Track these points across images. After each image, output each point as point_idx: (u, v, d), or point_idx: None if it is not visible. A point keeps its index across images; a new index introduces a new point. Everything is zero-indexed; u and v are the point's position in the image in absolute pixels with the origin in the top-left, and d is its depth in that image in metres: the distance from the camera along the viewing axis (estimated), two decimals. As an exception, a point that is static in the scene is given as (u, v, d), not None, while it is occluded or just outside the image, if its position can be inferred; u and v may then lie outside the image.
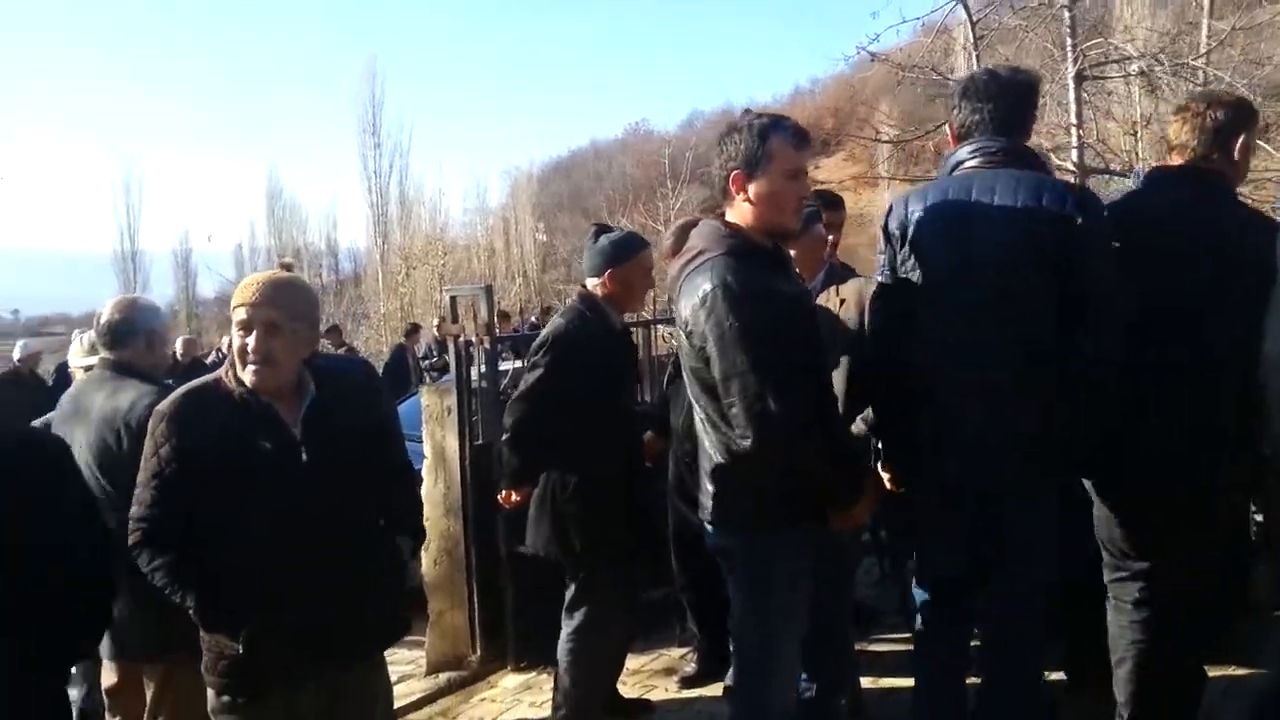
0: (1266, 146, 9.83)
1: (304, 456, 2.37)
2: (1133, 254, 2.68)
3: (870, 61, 10.15)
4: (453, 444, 4.52)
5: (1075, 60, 9.51)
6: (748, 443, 2.38)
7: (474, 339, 4.47)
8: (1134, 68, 9.58)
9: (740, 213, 2.53)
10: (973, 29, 10.14)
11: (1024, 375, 2.59)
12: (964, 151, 2.74)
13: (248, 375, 2.34)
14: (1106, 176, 10.11)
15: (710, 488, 2.56)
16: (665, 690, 4.17)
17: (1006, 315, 2.59)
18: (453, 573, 4.68)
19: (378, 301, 33.01)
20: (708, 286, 2.40)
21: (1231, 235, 2.69)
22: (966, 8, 10.03)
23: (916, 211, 2.75)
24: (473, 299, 4.63)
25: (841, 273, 3.55)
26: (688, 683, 4.19)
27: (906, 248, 2.75)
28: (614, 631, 3.68)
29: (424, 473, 4.92)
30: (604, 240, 3.71)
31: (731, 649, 2.66)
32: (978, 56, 10.13)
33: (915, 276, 2.73)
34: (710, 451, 2.54)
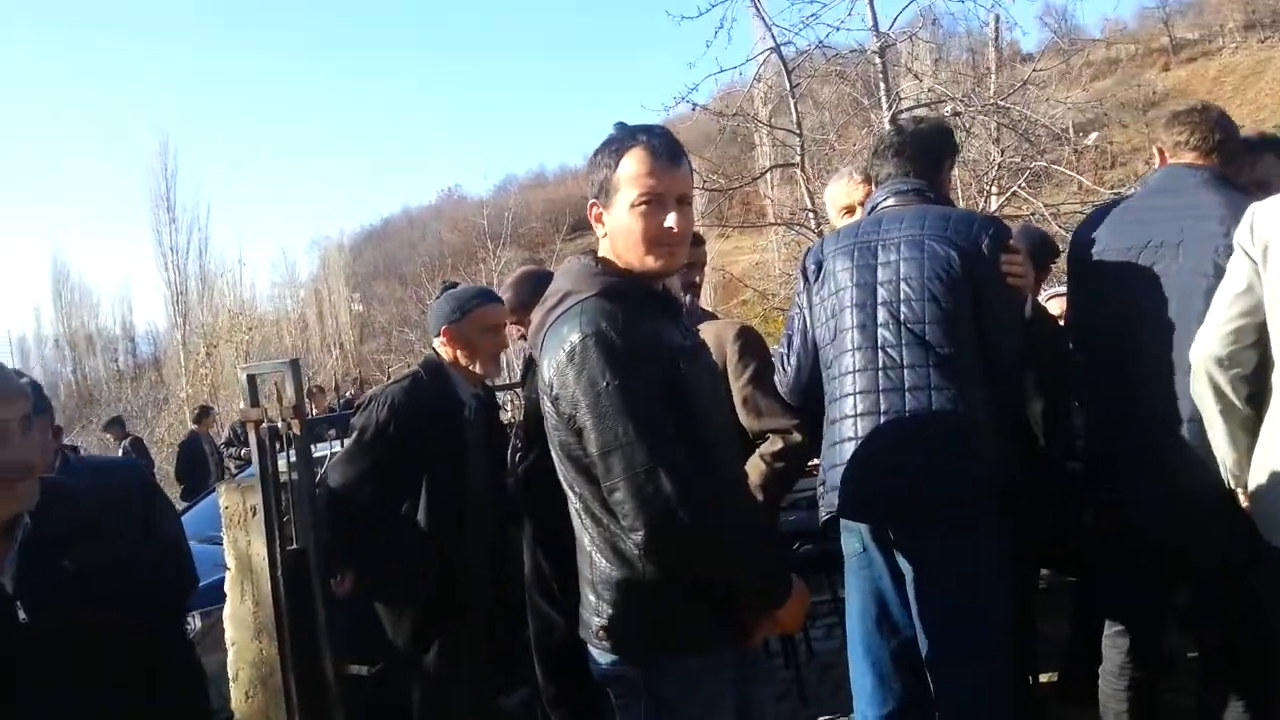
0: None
1: (20, 614, 1.67)
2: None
3: (692, 110, 9.95)
4: (260, 551, 3.78)
5: (890, 104, 9.62)
6: (639, 536, 1.84)
7: (280, 424, 3.74)
8: (948, 109, 9.76)
9: (607, 250, 2.06)
10: (788, 76, 10.13)
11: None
12: (879, 194, 2.83)
13: None
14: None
15: (594, 599, 2.00)
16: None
17: (912, 342, 2.58)
18: (269, 706, 3.91)
19: (180, 385, 30.72)
20: (576, 337, 1.88)
21: None
22: (781, 56, 10.03)
23: (829, 247, 2.80)
24: (276, 376, 3.91)
25: (700, 315, 3.34)
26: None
27: (819, 281, 2.78)
28: None
29: (227, 588, 4.21)
30: (442, 295, 3.21)
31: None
32: (795, 104, 10.16)
33: (830, 308, 2.73)
34: (591, 551, 2.00)
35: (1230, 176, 2.80)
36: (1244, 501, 2.40)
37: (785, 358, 2.91)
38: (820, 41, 9.73)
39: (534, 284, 3.49)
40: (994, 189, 10.28)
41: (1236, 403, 2.33)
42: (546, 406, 1.99)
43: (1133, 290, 2.70)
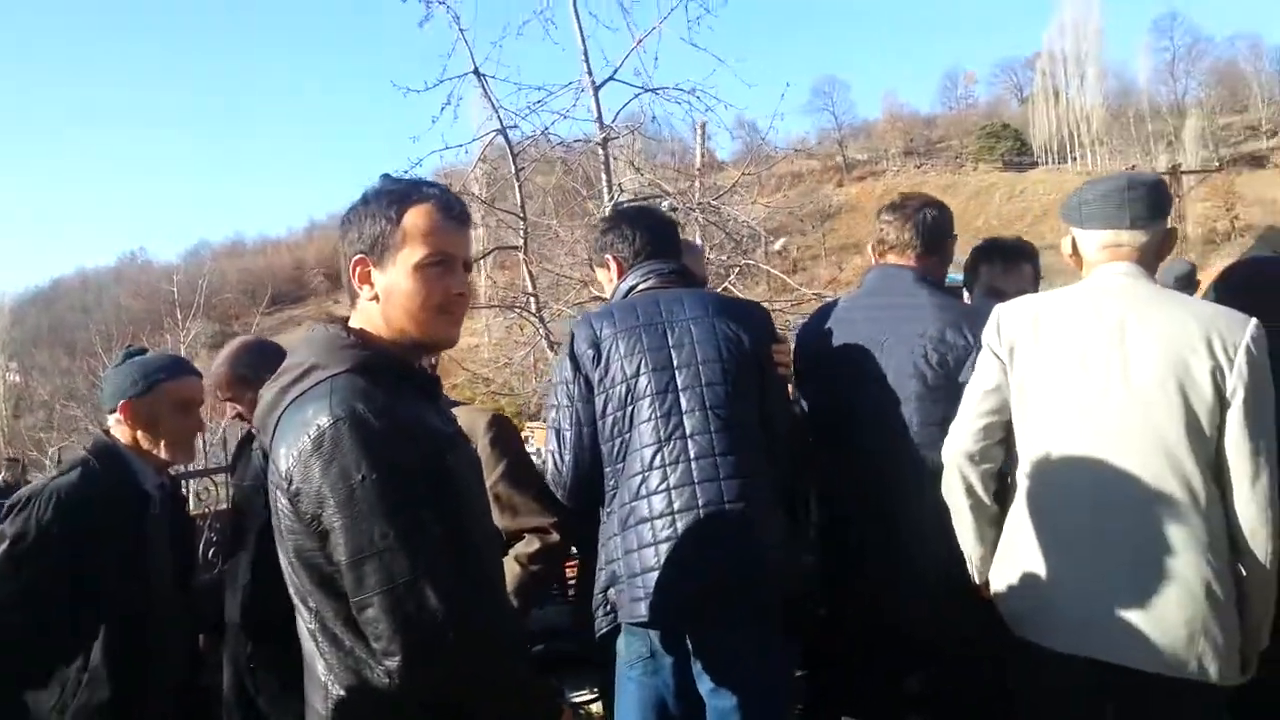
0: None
1: None
2: None
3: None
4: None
5: (611, 195, 9.83)
6: (393, 662, 1.55)
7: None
8: (665, 204, 10.09)
9: (367, 316, 1.78)
10: (513, 159, 10.14)
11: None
12: (634, 276, 2.76)
13: None
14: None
15: None
16: None
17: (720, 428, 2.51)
18: None
19: None
20: (325, 420, 1.59)
21: None
22: (507, 139, 10.02)
23: (605, 330, 2.63)
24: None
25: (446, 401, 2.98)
26: None
27: (602, 367, 2.59)
28: None
29: None
30: (123, 362, 2.72)
31: None
32: (520, 187, 10.16)
33: (618, 397, 2.56)
34: (326, 680, 1.67)
35: (932, 271, 2.94)
36: (987, 595, 2.45)
37: (558, 454, 2.66)
38: (546, 128, 9.82)
39: (257, 354, 3.08)
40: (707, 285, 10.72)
41: (985, 499, 2.40)
42: (281, 503, 1.66)
43: (848, 390, 2.78)
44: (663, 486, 2.47)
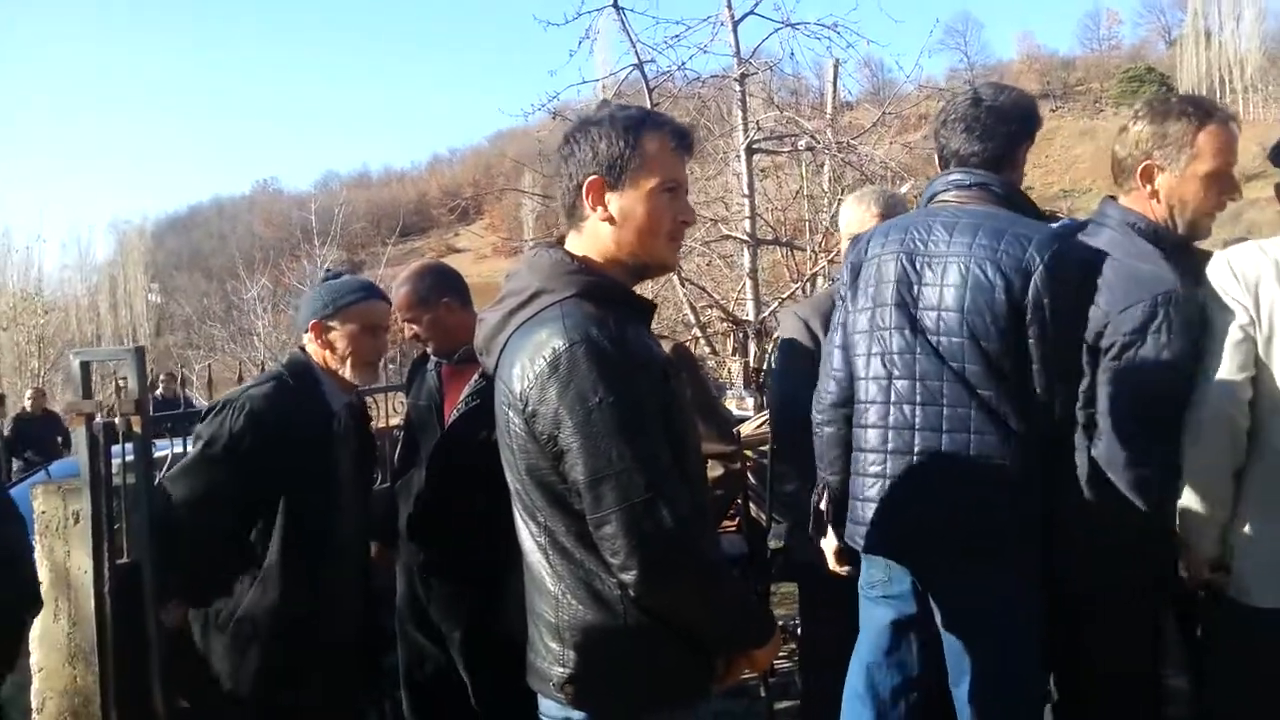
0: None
1: None
2: None
3: (552, 119, 9.73)
4: (83, 564, 3.26)
5: (747, 132, 9.71)
6: (630, 575, 1.61)
7: (118, 419, 3.27)
8: (802, 143, 9.93)
9: (594, 238, 1.80)
10: (649, 95, 10.09)
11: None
12: (939, 183, 2.53)
13: None
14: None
15: (556, 646, 1.74)
16: None
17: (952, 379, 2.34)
18: (80, 742, 3.38)
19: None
20: (560, 344, 1.63)
21: None
22: (644, 74, 9.97)
23: (873, 249, 2.51)
24: (115, 365, 3.44)
25: None
26: None
27: (856, 287, 2.53)
28: None
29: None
30: (320, 284, 2.83)
31: None
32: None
33: (866, 322, 2.49)
34: (556, 592, 1.73)
35: None
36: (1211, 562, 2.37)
37: (830, 370, 2.64)
38: (683, 63, 9.74)
39: (438, 278, 3.18)
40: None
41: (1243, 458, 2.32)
42: (515, 423, 1.72)
43: None
44: (882, 424, 2.44)
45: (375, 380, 3.01)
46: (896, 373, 2.40)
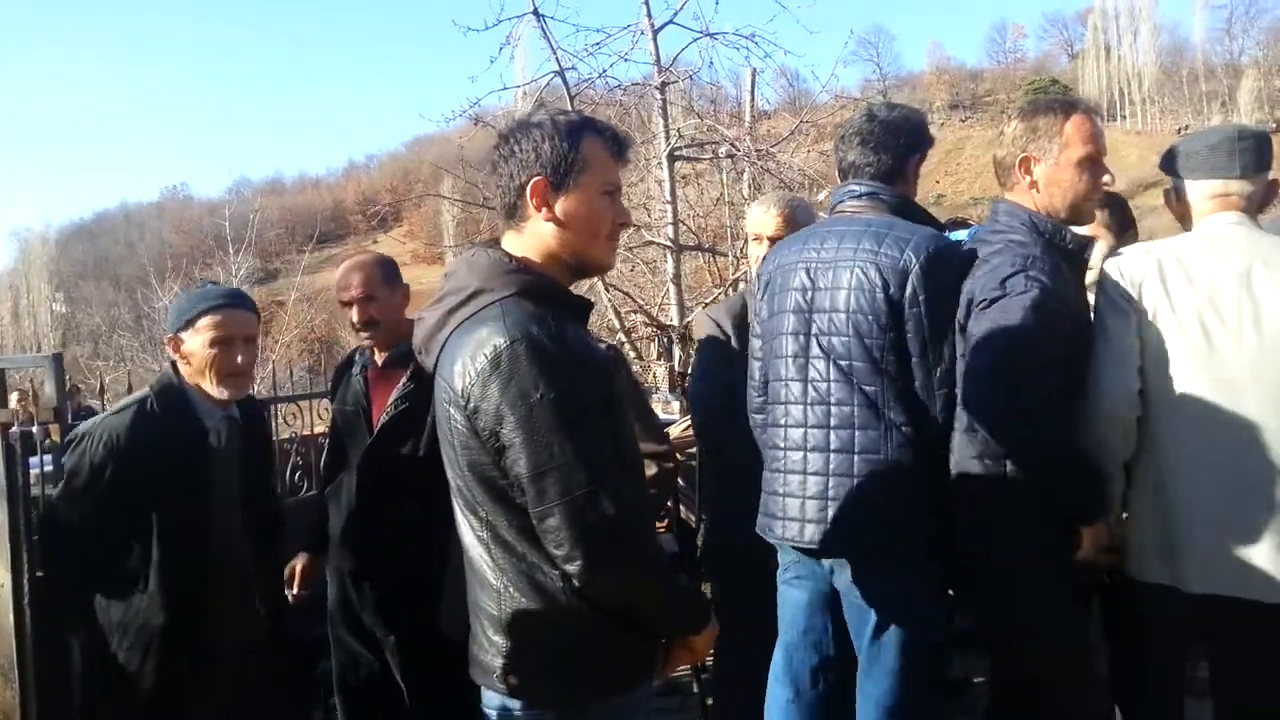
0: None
1: None
2: None
3: (474, 125, 9.73)
4: (1, 578, 3.19)
5: (669, 139, 9.82)
6: (574, 566, 1.65)
7: (36, 428, 3.20)
8: (722, 150, 10.08)
9: (534, 238, 1.84)
10: (570, 102, 10.14)
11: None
12: (838, 193, 2.72)
13: None
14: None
15: (498, 638, 1.78)
16: None
17: (839, 379, 2.50)
18: (-2, 763, 3.28)
19: None
20: (500, 341, 1.67)
21: None
22: (565, 80, 10.02)
23: (773, 263, 2.70)
24: (33, 372, 3.37)
25: None
26: None
27: (764, 298, 2.69)
28: None
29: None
30: (180, 297, 2.76)
31: None
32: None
33: (770, 329, 2.67)
34: (498, 585, 1.77)
35: None
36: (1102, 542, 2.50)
37: (750, 379, 2.82)
38: (604, 71, 9.80)
39: (395, 268, 3.19)
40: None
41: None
42: (456, 420, 1.75)
43: None
44: (783, 422, 2.60)
45: (243, 393, 2.79)
46: (792, 375, 2.57)
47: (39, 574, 3.14)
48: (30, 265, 42.30)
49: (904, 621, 2.48)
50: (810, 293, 2.56)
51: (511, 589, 1.75)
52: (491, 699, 1.83)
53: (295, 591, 3.24)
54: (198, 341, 2.65)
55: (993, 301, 2.35)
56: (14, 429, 3.19)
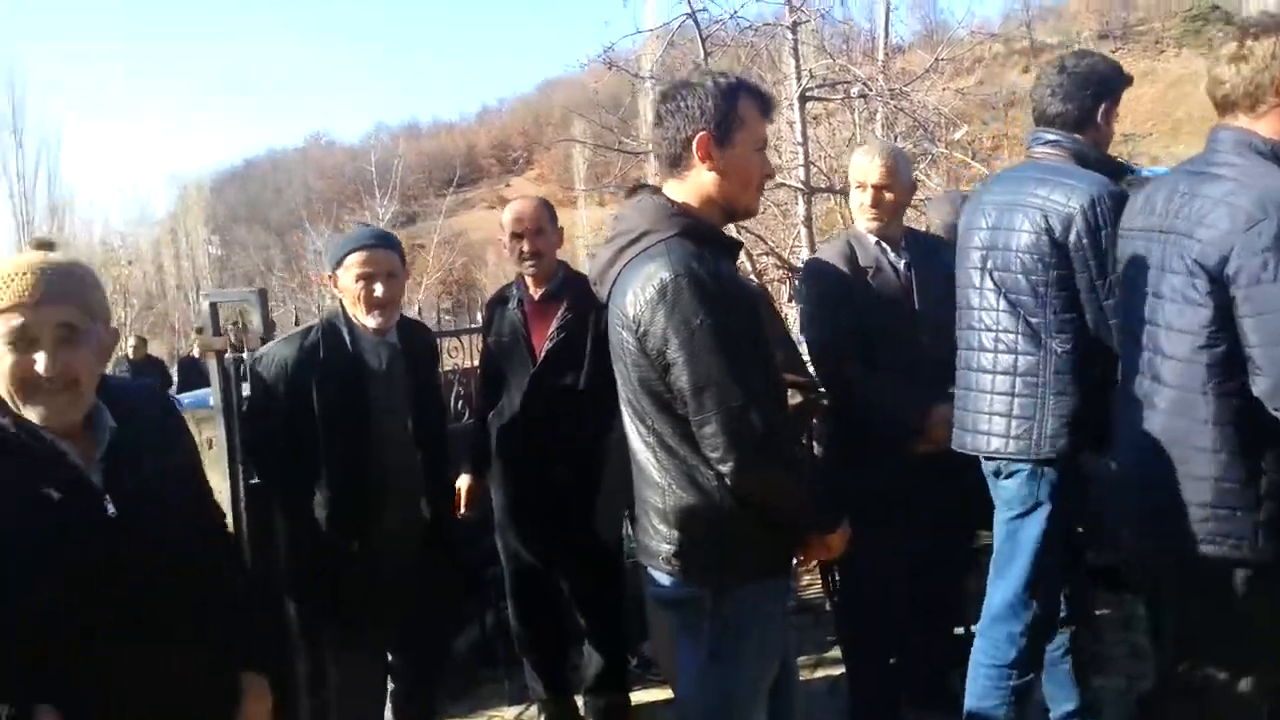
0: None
1: (109, 509, 1.67)
2: None
3: (607, 69, 9.97)
4: (219, 485, 3.68)
5: (800, 80, 9.85)
6: (727, 467, 1.95)
7: (246, 353, 3.67)
8: (855, 90, 10.06)
9: (695, 186, 2.10)
10: (702, 44, 10.25)
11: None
12: (1030, 140, 2.92)
13: (38, 410, 1.61)
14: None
15: (664, 528, 2.09)
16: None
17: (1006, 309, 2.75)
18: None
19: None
20: (666, 275, 1.95)
21: None
22: (697, 22, 10.12)
23: (971, 203, 2.97)
24: (240, 306, 3.84)
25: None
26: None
27: (963, 235, 2.93)
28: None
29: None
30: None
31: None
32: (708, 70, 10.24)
33: (960, 263, 2.92)
34: (663, 483, 2.08)
35: None
36: None
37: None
38: (735, 12, 9.87)
39: (551, 213, 3.58)
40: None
41: None
42: (628, 342, 2.04)
43: None
44: (962, 346, 2.97)
45: (389, 323, 2.99)
46: (973, 304, 2.84)
47: (253, 481, 3.63)
48: (187, 210, 44.49)
49: (1041, 515, 2.70)
50: (990, 231, 2.78)
51: (675, 486, 2.06)
52: (656, 578, 2.16)
53: (463, 511, 3.58)
54: (349, 277, 2.90)
55: (1263, 266, 2.12)
56: (228, 355, 3.66)
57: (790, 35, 9.85)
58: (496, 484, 3.64)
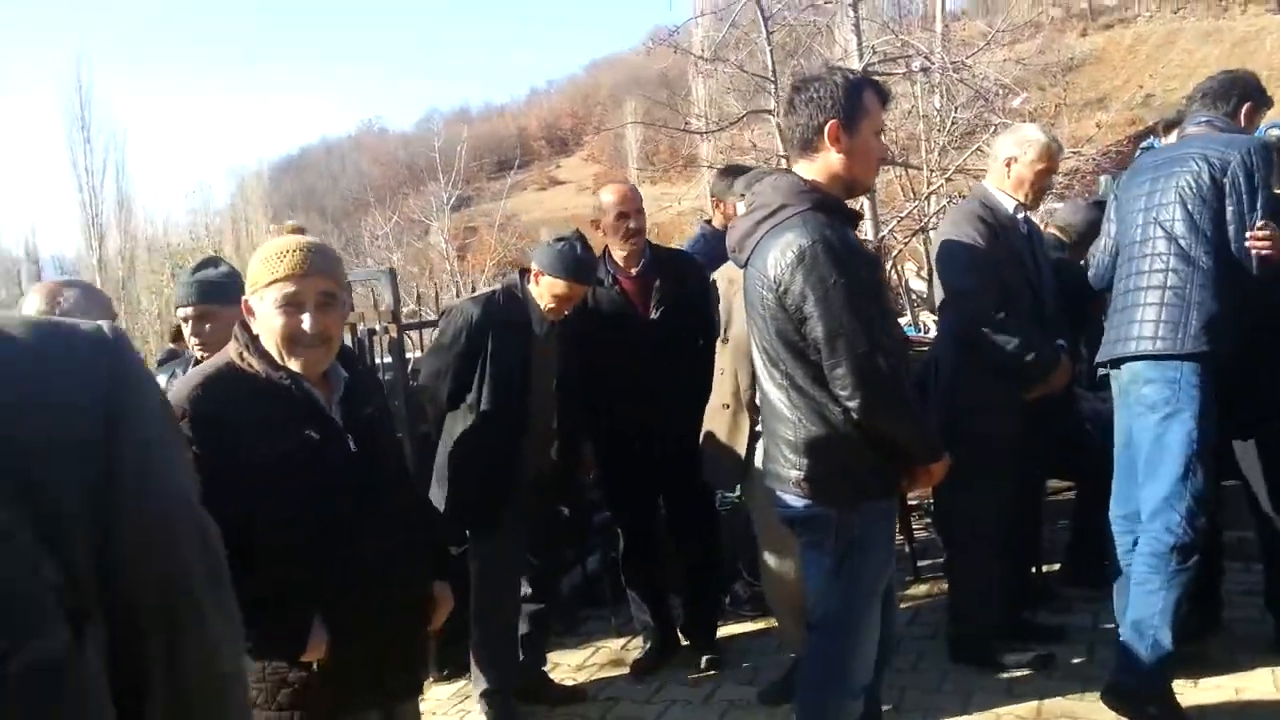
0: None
1: (351, 446, 2.06)
2: None
3: (673, 52, 10.23)
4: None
5: (862, 56, 10.02)
6: (855, 404, 2.29)
7: (377, 327, 4.05)
8: (916, 64, 10.20)
9: (824, 166, 2.44)
10: (765, 24, 10.44)
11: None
12: (1187, 124, 3.43)
13: (300, 361, 2.00)
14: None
15: (794, 456, 2.43)
16: (622, 683, 3.90)
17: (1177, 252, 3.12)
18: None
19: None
20: (805, 242, 2.30)
21: None
22: (760, 4, 10.33)
23: (1140, 164, 3.40)
24: (370, 283, 4.22)
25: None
26: (643, 671, 3.93)
27: (1127, 193, 3.36)
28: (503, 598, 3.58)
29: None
30: (556, 242, 3.44)
31: (812, 626, 2.56)
32: (771, 50, 10.46)
33: (1126, 216, 3.32)
34: (794, 419, 2.42)
35: None
36: None
37: (1106, 251, 3.52)
38: (796, -10, 10.05)
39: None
40: (954, 144, 10.81)
41: None
42: (768, 300, 2.38)
43: None
44: (1135, 285, 3.31)
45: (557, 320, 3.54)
46: (1136, 239, 3.25)
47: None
48: (247, 200, 45.29)
49: (1186, 415, 3.02)
50: (1152, 180, 3.24)
51: (804, 421, 2.39)
52: (785, 499, 2.50)
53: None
54: (547, 286, 3.37)
55: None
56: (360, 327, 4.03)
57: (852, 13, 10.02)
58: (606, 436, 3.92)
